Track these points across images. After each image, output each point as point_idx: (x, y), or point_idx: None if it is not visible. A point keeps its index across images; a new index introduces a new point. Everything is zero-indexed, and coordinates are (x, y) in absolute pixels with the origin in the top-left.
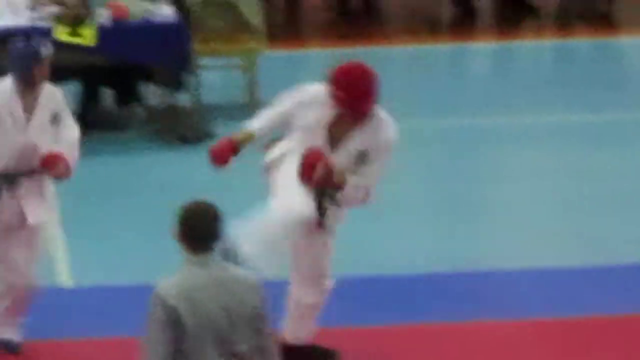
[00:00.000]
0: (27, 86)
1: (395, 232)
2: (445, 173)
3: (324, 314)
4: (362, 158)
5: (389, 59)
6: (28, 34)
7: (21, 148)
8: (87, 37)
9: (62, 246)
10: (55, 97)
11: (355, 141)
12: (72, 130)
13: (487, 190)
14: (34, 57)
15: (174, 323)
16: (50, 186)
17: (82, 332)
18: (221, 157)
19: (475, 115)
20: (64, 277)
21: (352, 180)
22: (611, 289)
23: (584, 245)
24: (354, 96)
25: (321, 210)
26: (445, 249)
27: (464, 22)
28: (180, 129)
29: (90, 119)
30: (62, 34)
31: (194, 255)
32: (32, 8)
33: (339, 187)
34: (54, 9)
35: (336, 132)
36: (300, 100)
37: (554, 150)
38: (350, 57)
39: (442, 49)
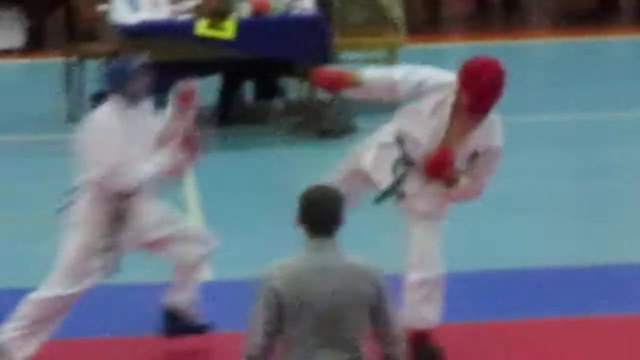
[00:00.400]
0: (130, 105)
1: (535, 227)
2: (579, 168)
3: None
4: (472, 158)
5: (527, 52)
6: (168, 27)
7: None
8: (228, 30)
9: None
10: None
11: (470, 141)
12: None
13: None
14: (124, 75)
15: (276, 304)
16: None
17: (225, 325)
18: (333, 87)
19: (616, 109)
20: (206, 270)
21: (465, 181)
22: None
23: None
24: (478, 92)
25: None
26: (577, 243)
27: (605, 16)
28: (321, 124)
29: (230, 113)
30: (202, 28)
31: (311, 239)
32: (174, 1)
33: (451, 185)
34: (195, 2)
35: (452, 128)
36: (428, 84)
37: None
38: (489, 51)
39: (580, 42)
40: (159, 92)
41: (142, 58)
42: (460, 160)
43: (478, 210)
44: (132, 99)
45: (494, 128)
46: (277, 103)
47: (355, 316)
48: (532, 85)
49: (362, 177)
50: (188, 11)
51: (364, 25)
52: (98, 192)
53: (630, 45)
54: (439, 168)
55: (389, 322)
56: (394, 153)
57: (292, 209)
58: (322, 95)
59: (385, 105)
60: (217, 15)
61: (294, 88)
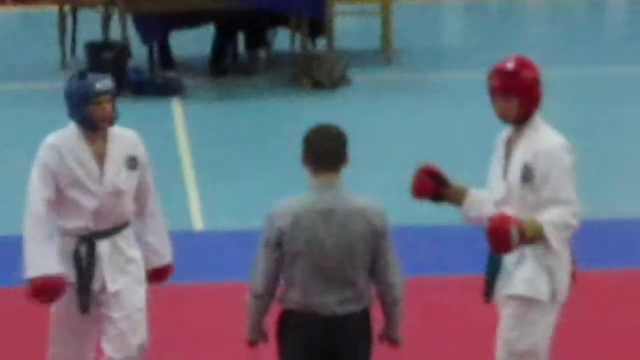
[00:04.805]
0: (93, 132)
1: None
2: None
3: None
4: (526, 175)
5: (527, 9)
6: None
7: (99, 204)
8: None
9: (194, 190)
10: (130, 142)
11: (518, 153)
12: (157, 216)
13: None
14: (88, 96)
15: (280, 245)
16: (135, 245)
17: (214, 276)
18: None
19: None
20: (197, 221)
21: (545, 218)
22: None
23: None
24: (504, 73)
25: None
26: None
27: None
28: (315, 75)
29: (224, 64)
30: None
31: (317, 179)
32: None
33: (538, 239)
34: None
35: (509, 150)
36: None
37: None
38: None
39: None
40: (151, 42)
41: (104, 79)
42: (514, 177)
43: None
44: (88, 126)
45: (541, 136)
46: (262, 53)
47: (356, 256)
48: (532, 40)
49: None
50: None
51: None
52: None
53: None
54: (501, 238)
55: (388, 262)
56: None
57: (285, 160)
58: (318, 47)
59: (377, 58)
60: None
61: (289, 40)
